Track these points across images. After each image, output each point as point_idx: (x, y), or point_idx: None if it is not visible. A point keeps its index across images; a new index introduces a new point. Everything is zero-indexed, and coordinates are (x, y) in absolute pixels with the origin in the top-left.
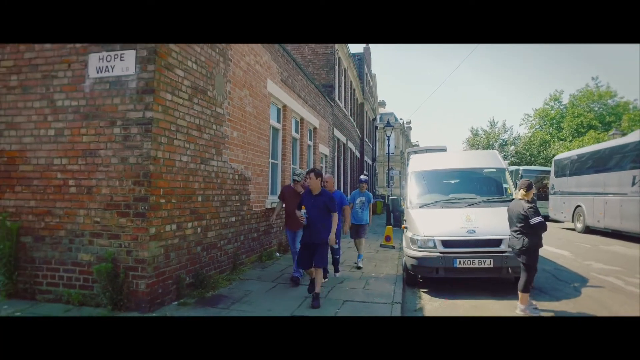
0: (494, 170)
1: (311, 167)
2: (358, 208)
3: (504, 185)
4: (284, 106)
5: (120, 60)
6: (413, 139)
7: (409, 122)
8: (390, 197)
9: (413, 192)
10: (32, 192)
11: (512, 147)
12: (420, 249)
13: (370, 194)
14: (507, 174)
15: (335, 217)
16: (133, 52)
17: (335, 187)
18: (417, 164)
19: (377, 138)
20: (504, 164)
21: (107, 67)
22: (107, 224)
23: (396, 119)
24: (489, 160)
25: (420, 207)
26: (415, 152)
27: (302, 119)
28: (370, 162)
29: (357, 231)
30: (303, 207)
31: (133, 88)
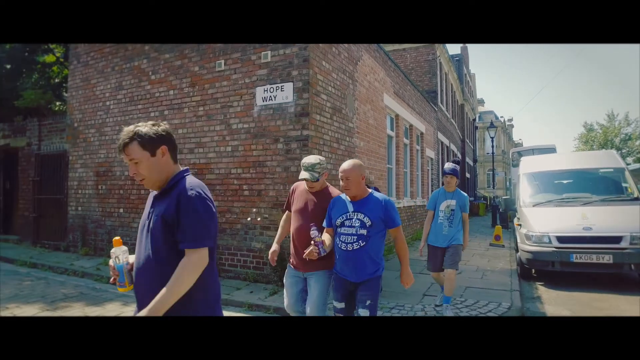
0: (611, 170)
1: (420, 170)
2: (443, 218)
3: (623, 185)
4: (397, 115)
5: (281, 90)
6: (515, 138)
7: (511, 120)
8: (503, 198)
9: (525, 192)
10: (216, 195)
11: (639, 142)
12: (534, 244)
13: (465, 194)
14: (626, 173)
15: None
16: (291, 84)
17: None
18: (528, 165)
19: (477, 138)
20: (622, 163)
21: (270, 96)
22: (274, 219)
23: (496, 117)
24: (605, 160)
25: (533, 205)
26: (520, 152)
27: (411, 125)
28: (471, 163)
29: (438, 257)
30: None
31: (292, 112)
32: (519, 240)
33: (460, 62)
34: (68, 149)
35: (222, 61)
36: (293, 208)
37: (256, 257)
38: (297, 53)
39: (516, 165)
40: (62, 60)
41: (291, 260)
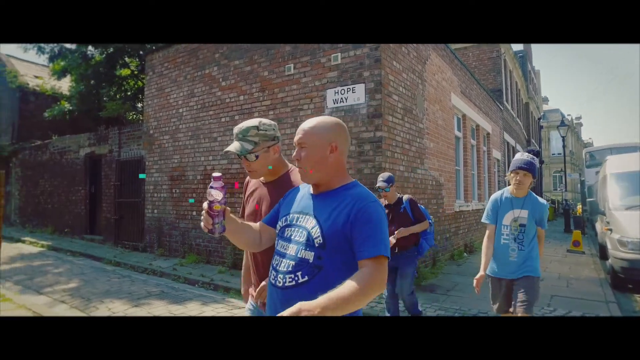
0: None
1: (487, 172)
2: (508, 238)
3: None
4: (464, 115)
5: (352, 92)
6: (584, 137)
7: (579, 118)
8: (588, 200)
9: (614, 194)
10: None
11: None
12: (632, 251)
13: (544, 202)
14: None
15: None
16: (362, 85)
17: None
18: (615, 165)
19: (542, 138)
20: None
21: (341, 98)
22: None
23: (563, 116)
24: None
25: (625, 209)
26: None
27: (477, 125)
28: (537, 164)
29: (504, 293)
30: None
31: (364, 114)
32: (609, 247)
33: (524, 59)
34: (144, 154)
35: (292, 65)
36: (245, 212)
37: None
38: (368, 54)
39: (590, 166)
40: (136, 72)
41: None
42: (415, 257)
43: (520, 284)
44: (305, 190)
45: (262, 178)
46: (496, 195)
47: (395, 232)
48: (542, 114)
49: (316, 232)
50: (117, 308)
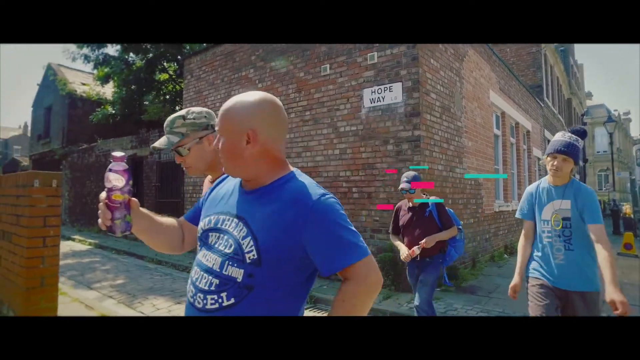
0: None
1: (527, 171)
2: (550, 235)
3: None
4: (502, 113)
5: (390, 91)
6: (633, 133)
7: (627, 113)
8: None
9: None
10: None
11: None
12: None
13: (591, 189)
14: None
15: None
16: (400, 84)
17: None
18: None
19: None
20: None
21: (378, 98)
22: (385, 222)
23: (609, 112)
24: None
25: None
26: None
27: (517, 123)
28: (581, 163)
29: (552, 302)
30: None
31: (402, 112)
32: None
33: (565, 53)
34: None
35: (327, 65)
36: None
37: None
38: (405, 52)
39: None
40: (174, 77)
41: None
42: (440, 265)
43: (577, 306)
44: (235, 183)
45: (185, 169)
46: (532, 186)
47: (421, 242)
48: (585, 109)
49: (248, 244)
50: (161, 305)
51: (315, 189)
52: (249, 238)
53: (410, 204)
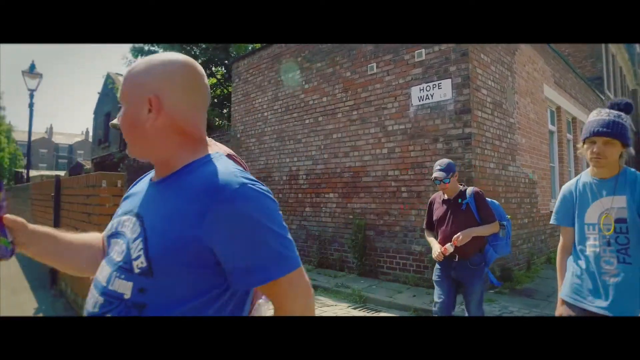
0: None
1: (586, 168)
2: (598, 243)
3: None
4: (558, 108)
5: (438, 88)
6: None
7: None
8: None
9: None
10: (373, 197)
11: None
12: None
13: None
14: None
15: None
16: (449, 80)
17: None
18: None
19: None
20: None
21: (427, 95)
22: None
23: None
24: None
25: None
26: None
27: (574, 118)
28: (632, 149)
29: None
30: None
31: (451, 110)
32: None
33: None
34: None
35: (374, 64)
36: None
37: (416, 260)
38: (454, 48)
39: None
40: (222, 81)
41: None
42: (483, 268)
43: None
44: (150, 175)
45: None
46: (569, 183)
47: (454, 237)
48: None
49: (137, 248)
50: None
51: (235, 175)
52: (140, 240)
53: (445, 196)
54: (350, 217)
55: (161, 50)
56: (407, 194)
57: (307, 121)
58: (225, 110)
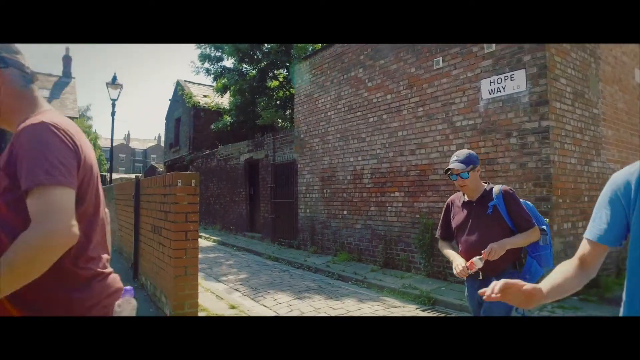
0: None
1: None
2: None
3: None
4: None
5: (511, 80)
6: None
7: None
8: None
9: None
10: (440, 196)
11: None
12: None
13: None
14: None
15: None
16: (523, 71)
17: None
18: None
19: None
20: None
21: (498, 88)
22: None
23: None
24: None
25: None
26: None
27: None
28: None
29: None
30: None
31: (526, 102)
32: None
33: None
34: (296, 158)
35: (440, 58)
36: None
37: None
38: None
39: None
40: (284, 83)
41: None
42: None
43: None
44: None
45: None
46: (618, 176)
47: (483, 252)
48: None
49: None
50: (282, 299)
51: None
52: None
53: (466, 198)
54: (417, 216)
55: (225, 55)
56: None
57: (371, 119)
58: (287, 112)
